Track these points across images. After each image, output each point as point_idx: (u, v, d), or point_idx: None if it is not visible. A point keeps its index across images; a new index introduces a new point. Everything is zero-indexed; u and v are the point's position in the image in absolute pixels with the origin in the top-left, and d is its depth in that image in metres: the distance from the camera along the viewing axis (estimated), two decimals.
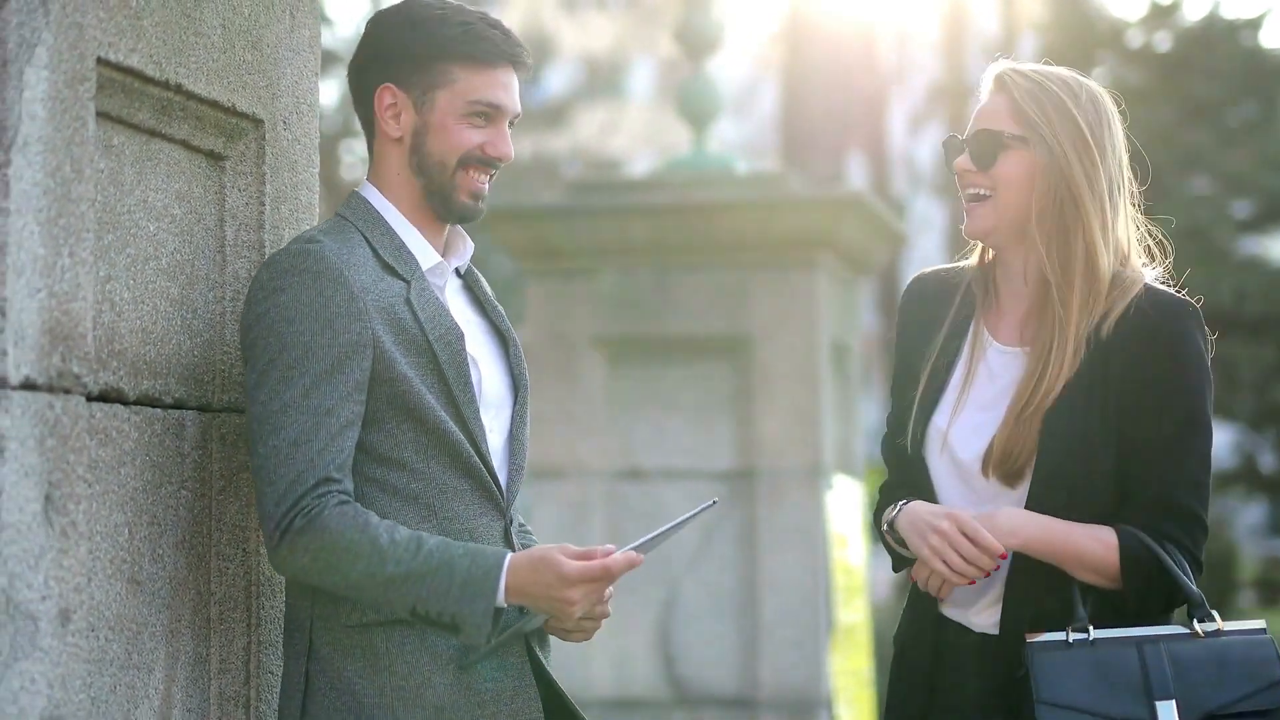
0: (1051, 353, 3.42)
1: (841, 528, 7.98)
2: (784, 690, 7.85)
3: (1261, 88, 21.85)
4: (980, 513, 3.41)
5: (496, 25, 3.47)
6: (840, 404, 8.32)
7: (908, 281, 3.75)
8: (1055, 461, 3.41)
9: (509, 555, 3.24)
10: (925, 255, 24.45)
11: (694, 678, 7.98)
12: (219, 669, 3.42)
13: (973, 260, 3.65)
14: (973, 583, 3.41)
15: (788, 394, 7.92)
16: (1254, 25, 22.32)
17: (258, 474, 3.24)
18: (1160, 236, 3.60)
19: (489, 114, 3.42)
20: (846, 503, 8.11)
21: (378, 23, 3.47)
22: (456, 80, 3.40)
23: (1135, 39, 22.49)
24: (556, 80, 36.84)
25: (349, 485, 3.26)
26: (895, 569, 3.65)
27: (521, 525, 3.56)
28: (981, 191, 3.50)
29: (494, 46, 3.42)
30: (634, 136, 31.65)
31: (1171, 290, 3.51)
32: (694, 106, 8.35)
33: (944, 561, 3.38)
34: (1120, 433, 3.41)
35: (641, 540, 3.32)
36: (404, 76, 3.40)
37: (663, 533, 3.35)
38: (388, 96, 3.41)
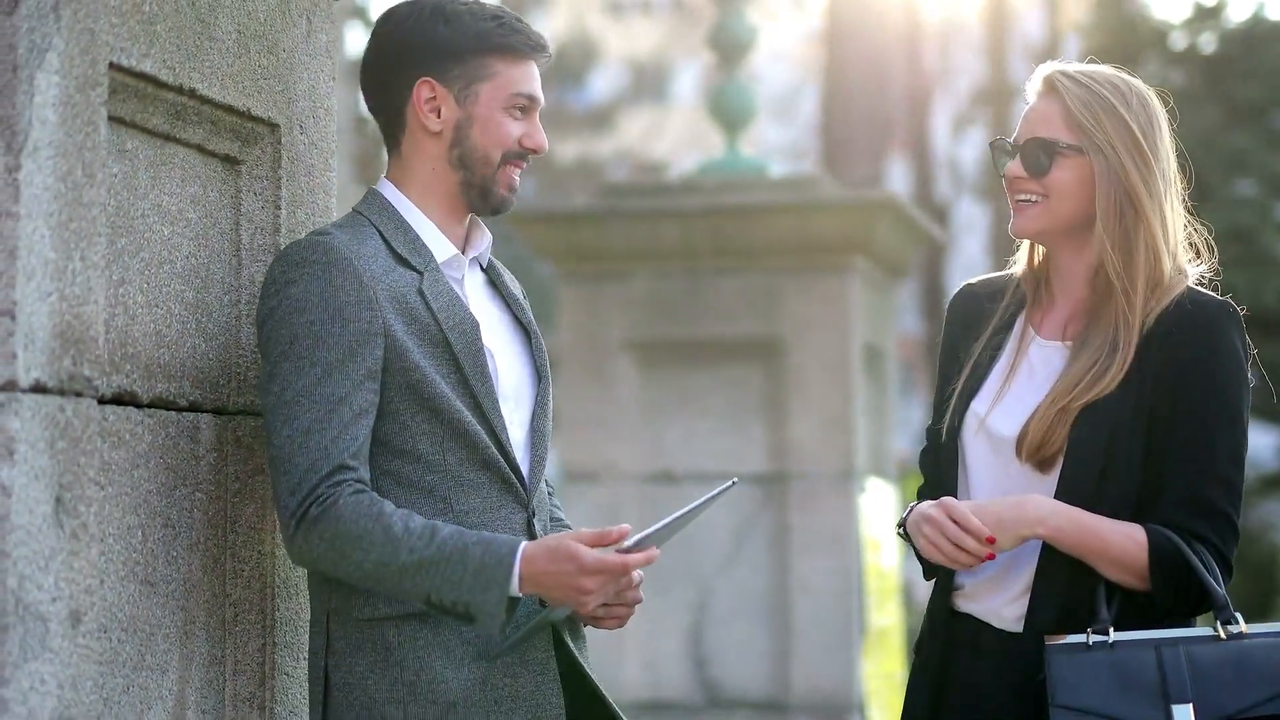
0: (1116, 351, 3.42)
1: (874, 531, 7.98)
2: (816, 694, 7.85)
3: None
4: (1010, 499, 3.41)
5: (519, 19, 3.49)
6: (874, 407, 8.32)
7: (954, 289, 3.77)
8: (1086, 452, 3.40)
9: (523, 543, 3.22)
10: (969, 258, 24.42)
11: (725, 681, 7.99)
12: (234, 671, 3.44)
13: (1021, 263, 3.66)
14: (970, 567, 3.41)
15: (820, 397, 7.92)
16: None
17: (273, 465, 3.26)
18: (1206, 237, 3.60)
19: (527, 106, 3.45)
20: (880, 506, 8.10)
21: (400, 19, 3.45)
22: (498, 73, 3.41)
23: (1179, 41, 22.39)
24: (601, 84, 36.88)
25: (365, 473, 3.26)
26: (926, 577, 3.65)
27: (558, 519, 3.55)
28: (1033, 198, 3.51)
29: (527, 39, 3.45)
30: (677, 140, 31.68)
31: (1213, 293, 3.51)
32: (727, 110, 8.37)
33: (937, 549, 3.39)
34: (1152, 429, 3.41)
35: (662, 524, 3.28)
36: (443, 70, 3.40)
37: (683, 515, 3.31)
38: (426, 90, 3.41)
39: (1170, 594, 3.38)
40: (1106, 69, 3.54)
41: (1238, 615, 3.35)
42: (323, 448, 3.22)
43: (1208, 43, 22.36)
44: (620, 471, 8.13)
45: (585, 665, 3.45)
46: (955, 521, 3.37)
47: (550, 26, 33.95)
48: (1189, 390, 3.40)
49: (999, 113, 22.73)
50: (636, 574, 3.29)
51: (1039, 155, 3.49)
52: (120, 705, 3.13)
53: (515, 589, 3.20)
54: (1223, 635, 3.32)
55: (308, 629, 3.48)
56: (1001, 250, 22.75)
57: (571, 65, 32.42)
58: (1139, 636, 3.33)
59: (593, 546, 3.19)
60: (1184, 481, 3.40)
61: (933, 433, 3.62)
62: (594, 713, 3.46)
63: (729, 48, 8.33)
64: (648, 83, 38.36)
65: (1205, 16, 22.08)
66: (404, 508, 3.28)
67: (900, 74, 21.73)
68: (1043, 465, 3.44)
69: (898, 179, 23.10)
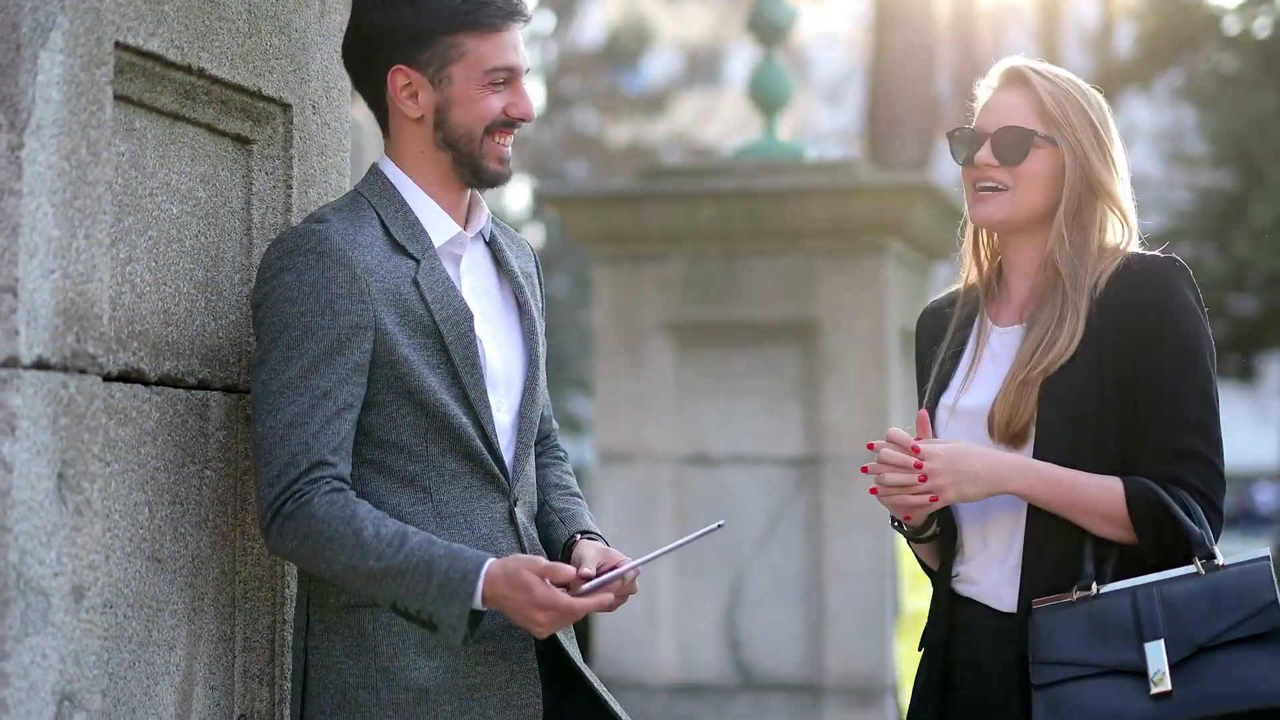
0: (1065, 322, 3.47)
1: None
2: (850, 676, 7.85)
3: None
4: (986, 454, 3.43)
5: None
6: (908, 390, 8.30)
7: (920, 311, 3.83)
8: (1054, 422, 3.44)
9: (489, 561, 3.22)
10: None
11: (760, 663, 7.99)
12: (244, 646, 3.46)
13: (968, 268, 3.72)
14: (909, 517, 3.44)
15: (856, 380, 7.92)
16: None
17: (255, 453, 3.27)
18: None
19: (507, 78, 3.40)
20: None
21: (370, 4, 3.42)
22: (468, 52, 3.37)
23: (1233, 25, 22.26)
24: (654, 68, 36.84)
25: (344, 469, 3.27)
26: (892, 525, 3.68)
27: (560, 485, 3.58)
28: (1000, 186, 3.54)
29: (496, 10, 3.37)
30: (728, 124, 31.64)
31: (1156, 253, 3.56)
32: (765, 93, 8.36)
33: (877, 480, 3.43)
34: (1119, 389, 3.44)
35: (642, 560, 3.31)
36: (413, 56, 3.37)
37: (664, 552, 3.36)
38: (400, 78, 3.38)
39: (1155, 541, 3.39)
40: (1059, 69, 3.62)
41: (1215, 550, 3.36)
42: (303, 442, 3.23)
43: (1262, 27, 22.21)
44: (656, 453, 8.14)
45: (573, 654, 3.45)
46: (889, 439, 3.42)
47: (604, 10, 33.94)
48: (1149, 345, 3.43)
49: None
50: (630, 572, 3.30)
51: (1013, 144, 3.53)
52: (126, 680, 3.15)
53: (478, 604, 3.21)
54: (1202, 572, 3.33)
55: None
56: None
57: (625, 49, 32.39)
58: (1119, 586, 3.35)
59: (544, 577, 3.21)
60: (1156, 432, 3.42)
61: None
62: (584, 701, 3.46)
63: (768, 30, 8.32)
64: (700, 67, 38.32)
65: (1260, 1, 21.93)
66: (385, 497, 3.30)
67: (951, 58, 21.66)
68: (1015, 441, 3.47)
69: (948, 163, 23.02)
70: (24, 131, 2.80)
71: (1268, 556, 3.37)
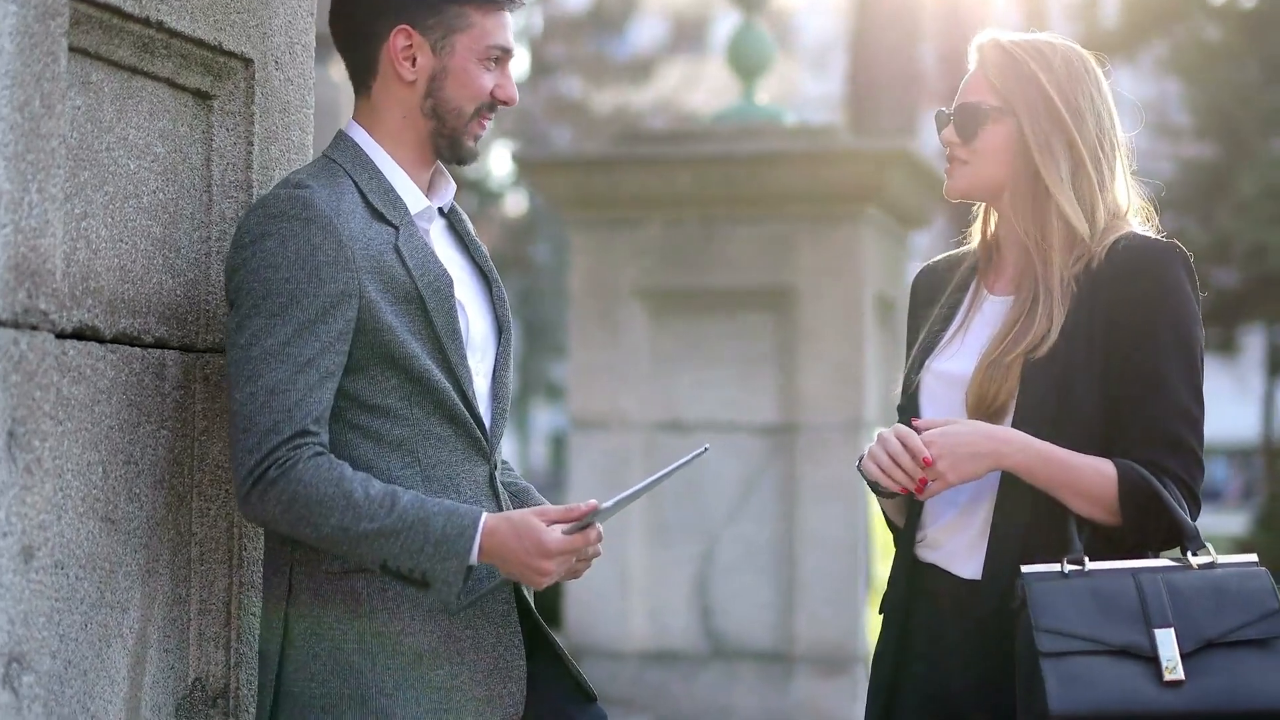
0: (1039, 304, 3.46)
1: None
2: (820, 645, 7.83)
3: None
4: (981, 428, 3.41)
5: None
6: (883, 358, 8.28)
7: (918, 269, 3.83)
8: (1036, 401, 3.42)
9: (485, 515, 3.23)
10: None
11: (731, 631, 7.97)
12: (199, 610, 3.42)
13: (976, 232, 3.72)
14: (906, 491, 3.40)
15: (831, 348, 7.88)
16: None
17: (233, 420, 3.23)
18: (1153, 198, 3.64)
19: (500, 58, 3.43)
20: None
21: None
22: (474, 24, 3.38)
23: None
24: (640, 34, 36.77)
25: (325, 438, 3.25)
26: (895, 543, 3.67)
27: (505, 465, 3.55)
28: (962, 158, 3.57)
29: None
30: (713, 90, 31.56)
31: (1155, 234, 3.53)
32: (744, 58, 8.31)
33: (876, 463, 3.39)
34: (1107, 372, 3.43)
35: (632, 489, 3.29)
36: (421, 19, 3.37)
37: (653, 481, 3.32)
38: (402, 39, 3.37)
39: (1140, 527, 3.39)
40: (1042, 36, 3.59)
41: (1208, 545, 3.37)
42: (286, 409, 3.20)
43: None
44: (630, 420, 8.10)
45: (534, 610, 3.46)
46: (900, 440, 3.38)
47: None
48: (1142, 329, 3.41)
49: None
50: (595, 531, 3.29)
51: (967, 120, 3.55)
52: (78, 642, 3.11)
53: (474, 559, 3.22)
54: (1194, 565, 3.33)
55: None
56: None
57: (610, 15, 32.29)
58: (1114, 565, 3.34)
59: (552, 522, 3.23)
60: (1146, 418, 3.41)
61: (899, 405, 3.64)
62: (550, 661, 3.47)
63: None
64: (687, 33, 38.23)
65: None
66: (371, 462, 3.28)
67: (936, 27, 21.59)
68: (993, 418, 3.45)
69: (931, 132, 22.95)
70: None
71: (1257, 562, 3.39)
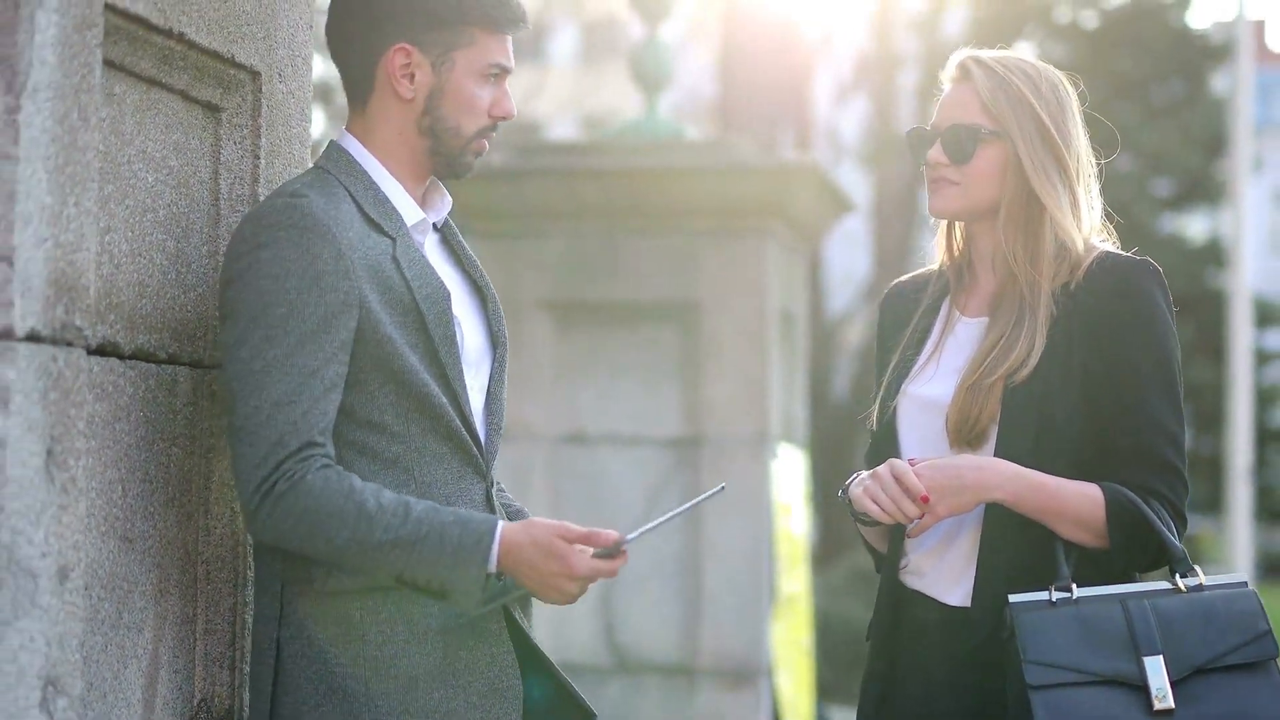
0: (1022, 326, 3.46)
1: (785, 496, 7.97)
2: (725, 658, 7.83)
3: (1187, 66, 21.98)
4: (969, 461, 3.41)
5: None
6: (786, 373, 8.31)
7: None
8: (1016, 425, 3.43)
9: (501, 524, 3.20)
10: (848, 229, 24.44)
11: (634, 645, 7.96)
12: (205, 630, 3.37)
13: (940, 253, 3.70)
14: (905, 526, 3.41)
15: (736, 361, 7.89)
16: (1181, 4, 22.45)
17: (236, 434, 3.15)
18: (1103, 219, 3.67)
19: (499, 75, 3.39)
20: (790, 471, 8.09)
21: None
22: (475, 43, 3.34)
23: (1063, 15, 22.57)
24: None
25: (331, 450, 3.19)
26: (876, 569, 3.67)
27: (499, 486, 3.52)
28: (952, 179, 3.54)
29: (511, 11, 3.38)
30: (555, 101, 31.55)
31: (1129, 254, 3.55)
32: (646, 71, 8.30)
33: (875, 501, 3.38)
34: (1088, 394, 3.44)
35: (652, 524, 3.28)
36: (422, 36, 3.32)
37: (672, 516, 3.32)
38: (401, 57, 3.32)
39: (1128, 550, 3.41)
40: (1020, 57, 3.58)
41: (1196, 568, 3.39)
42: (292, 422, 3.14)
43: (1090, 18, 22.55)
44: (533, 431, 8.07)
45: (530, 634, 3.43)
46: (897, 479, 3.37)
47: None
48: (1122, 350, 3.43)
49: (881, 83, 22.77)
50: (622, 559, 3.28)
51: (960, 142, 3.53)
52: (99, 664, 3.06)
53: (493, 567, 3.18)
54: (1182, 588, 3.35)
55: None
56: (882, 219, 22.82)
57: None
58: (1102, 592, 3.35)
59: (575, 543, 3.19)
60: (1130, 439, 3.43)
61: (873, 431, 3.62)
62: (543, 680, 3.45)
63: (651, 7, 8.25)
64: (525, 43, 38.24)
65: None
66: (369, 480, 3.22)
67: (789, 43, 21.70)
68: (973, 443, 3.46)
69: (785, 147, 23.04)
70: (21, 94, 2.69)
71: (1247, 582, 3.41)
